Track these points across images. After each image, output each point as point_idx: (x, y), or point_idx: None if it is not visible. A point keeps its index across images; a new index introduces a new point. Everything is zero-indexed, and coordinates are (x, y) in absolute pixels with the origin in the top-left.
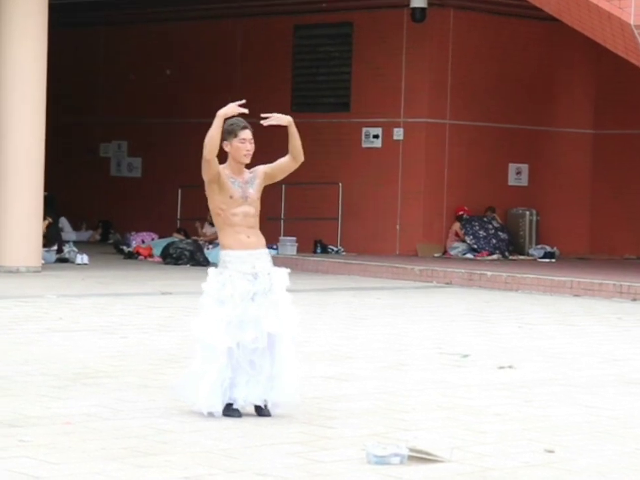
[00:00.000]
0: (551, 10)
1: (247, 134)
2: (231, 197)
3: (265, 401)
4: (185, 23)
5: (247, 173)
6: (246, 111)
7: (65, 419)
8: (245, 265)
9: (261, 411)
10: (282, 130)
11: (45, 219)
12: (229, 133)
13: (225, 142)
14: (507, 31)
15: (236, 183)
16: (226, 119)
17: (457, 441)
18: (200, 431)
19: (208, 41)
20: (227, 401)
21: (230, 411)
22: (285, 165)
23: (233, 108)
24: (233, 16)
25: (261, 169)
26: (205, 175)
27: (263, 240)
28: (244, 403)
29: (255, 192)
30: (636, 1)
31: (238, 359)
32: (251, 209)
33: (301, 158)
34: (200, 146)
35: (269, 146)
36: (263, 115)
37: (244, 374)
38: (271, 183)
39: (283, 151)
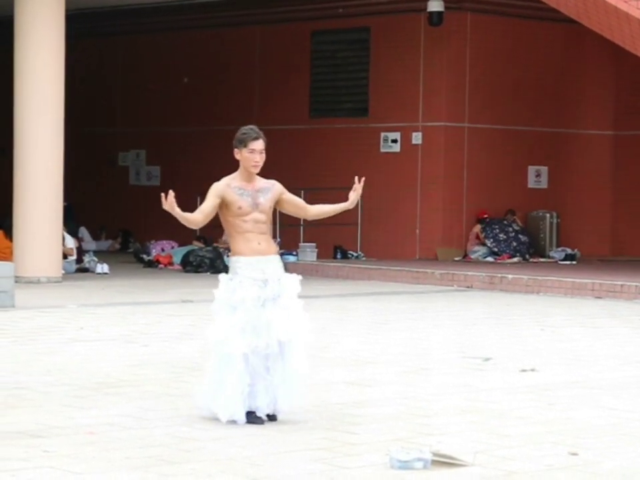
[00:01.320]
0: (568, 12)
1: (257, 145)
2: (239, 208)
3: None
4: (203, 30)
5: (261, 182)
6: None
7: (88, 429)
8: (255, 271)
9: (269, 416)
10: (295, 145)
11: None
12: (240, 141)
13: (236, 150)
14: (525, 33)
15: (245, 194)
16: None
17: (480, 445)
18: (223, 438)
19: (226, 48)
20: (248, 408)
21: (253, 418)
22: (298, 207)
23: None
24: (250, 23)
25: (279, 188)
26: None
27: (273, 247)
28: (267, 409)
29: (265, 201)
30: None
31: (254, 366)
32: (262, 216)
33: (312, 218)
34: (218, 152)
35: (280, 157)
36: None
37: (262, 380)
38: (277, 207)
39: (291, 163)
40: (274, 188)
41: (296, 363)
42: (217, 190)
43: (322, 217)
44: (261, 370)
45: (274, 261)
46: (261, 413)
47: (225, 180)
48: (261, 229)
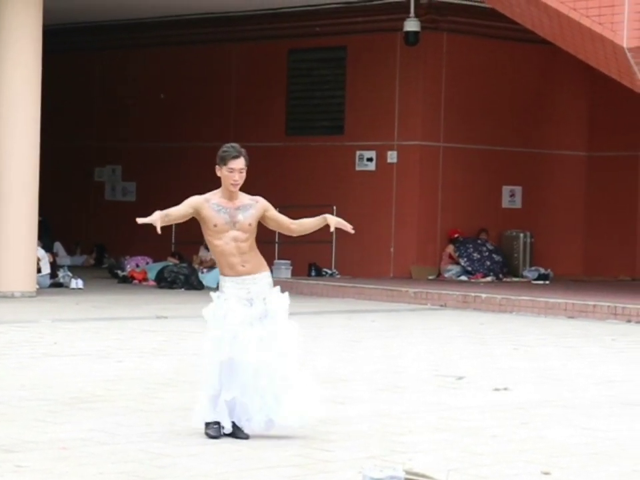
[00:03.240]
0: (544, 33)
1: (236, 164)
2: (215, 226)
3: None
4: (180, 47)
5: (244, 199)
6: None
7: (62, 444)
8: (241, 290)
9: (239, 433)
10: (271, 163)
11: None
12: (220, 159)
13: (217, 167)
14: (501, 54)
15: (222, 210)
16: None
17: (453, 463)
18: (197, 455)
19: (202, 65)
20: (235, 420)
21: (237, 432)
22: (281, 224)
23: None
24: (227, 40)
25: (263, 205)
26: None
27: (260, 265)
28: (259, 426)
29: (245, 219)
30: (628, 24)
31: (242, 379)
32: (241, 234)
33: (297, 234)
34: (194, 169)
35: (256, 175)
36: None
37: (252, 394)
38: (262, 222)
39: (267, 181)
40: (257, 205)
41: (291, 379)
42: (192, 201)
43: (306, 233)
44: (250, 383)
45: (261, 280)
46: (248, 429)
47: (206, 195)
48: (241, 248)
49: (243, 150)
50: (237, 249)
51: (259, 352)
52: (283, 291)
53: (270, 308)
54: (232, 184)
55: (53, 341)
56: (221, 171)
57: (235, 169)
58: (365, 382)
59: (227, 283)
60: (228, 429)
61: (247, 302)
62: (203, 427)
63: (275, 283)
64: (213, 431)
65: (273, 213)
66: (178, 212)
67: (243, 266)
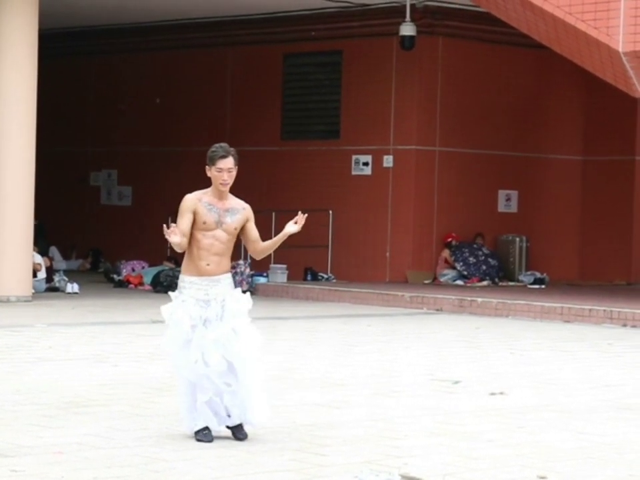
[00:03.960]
0: (540, 38)
1: (224, 163)
2: (204, 223)
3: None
4: (175, 51)
5: (233, 202)
6: (176, 245)
7: (57, 449)
8: (198, 292)
9: (238, 433)
10: (267, 167)
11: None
12: (209, 159)
13: (207, 167)
14: (497, 58)
15: (213, 209)
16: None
17: (449, 467)
18: (192, 459)
19: (198, 69)
20: (212, 420)
21: (201, 435)
22: (251, 239)
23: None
24: (222, 45)
25: (248, 213)
26: None
27: (224, 266)
28: (232, 421)
29: (232, 222)
30: (624, 29)
31: (216, 382)
32: (224, 235)
33: (258, 257)
34: (189, 173)
35: (251, 179)
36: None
37: (221, 393)
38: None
39: (263, 185)
40: (244, 212)
41: (250, 379)
42: (189, 205)
43: (265, 254)
44: (223, 387)
45: (221, 281)
46: (222, 424)
47: (197, 194)
48: (217, 248)
49: (232, 149)
50: (212, 246)
51: (216, 353)
52: (278, 295)
53: (228, 309)
54: (221, 183)
55: (49, 345)
56: (210, 171)
57: (223, 169)
58: (361, 386)
59: (185, 283)
60: (216, 429)
61: (204, 303)
62: (193, 434)
63: (271, 287)
64: (204, 436)
65: (251, 224)
66: (188, 224)
67: (208, 264)
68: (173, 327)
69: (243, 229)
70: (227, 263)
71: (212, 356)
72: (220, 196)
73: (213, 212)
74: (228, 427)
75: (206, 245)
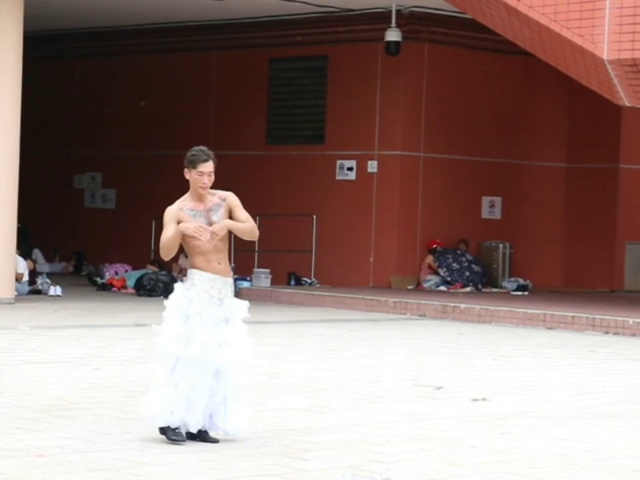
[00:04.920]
0: (525, 45)
1: (205, 167)
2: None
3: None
4: (160, 55)
5: (214, 199)
6: (202, 238)
7: (38, 452)
8: (213, 288)
9: (204, 436)
10: (251, 171)
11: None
12: (189, 162)
13: (186, 170)
14: (482, 65)
15: (197, 214)
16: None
17: (431, 473)
18: (174, 463)
19: (183, 73)
20: (179, 422)
21: (173, 434)
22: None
23: (192, 230)
24: (208, 48)
25: (231, 202)
26: None
27: (229, 269)
28: (199, 426)
29: (218, 219)
30: (609, 37)
31: (193, 379)
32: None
33: (252, 238)
34: (174, 176)
35: (236, 183)
36: (207, 237)
37: (198, 395)
38: None
39: (247, 189)
40: (225, 203)
41: (237, 385)
42: (172, 215)
43: (247, 236)
44: (200, 385)
45: (229, 284)
46: (191, 428)
47: (177, 204)
48: (218, 247)
49: (211, 153)
50: (215, 247)
51: (218, 354)
52: (261, 299)
53: (232, 312)
54: (201, 187)
55: (31, 348)
56: (190, 174)
57: (204, 172)
58: (344, 391)
59: (199, 276)
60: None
61: (218, 301)
62: (155, 424)
63: (254, 292)
64: (177, 435)
65: (237, 211)
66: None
67: (219, 263)
68: (180, 318)
69: (232, 218)
70: (229, 265)
71: (216, 355)
72: (200, 198)
73: (197, 217)
74: (192, 434)
75: (209, 247)
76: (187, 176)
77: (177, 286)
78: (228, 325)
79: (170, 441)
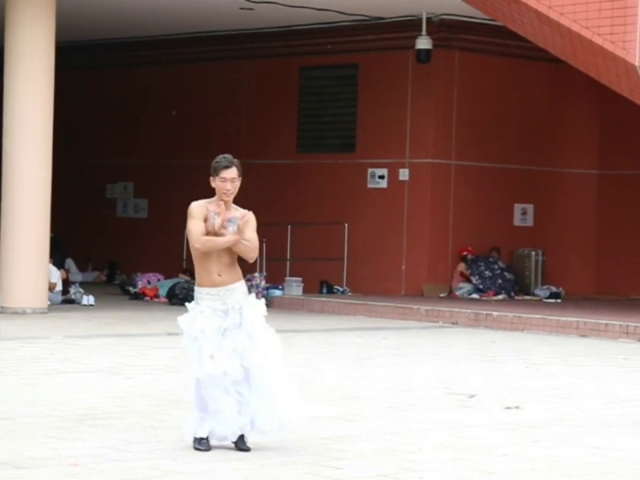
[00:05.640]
0: (556, 51)
1: (228, 173)
2: (208, 233)
3: (246, 432)
4: (191, 64)
5: (234, 212)
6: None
7: (71, 461)
8: (216, 302)
9: (239, 445)
10: (282, 180)
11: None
12: (213, 169)
13: (211, 178)
14: (512, 72)
15: (217, 218)
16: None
17: None
18: (206, 472)
19: (214, 82)
20: (208, 433)
21: (200, 443)
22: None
23: (232, 240)
24: (238, 58)
25: (250, 220)
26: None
27: (236, 275)
28: (234, 435)
29: (229, 233)
30: None
31: (229, 390)
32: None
33: (246, 258)
34: (205, 186)
35: (267, 192)
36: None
37: (231, 403)
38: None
39: (279, 198)
40: (243, 219)
41: (271, 385)
42: (199, 210)
43: (245, 257)
44: (222, 396)
45: (236, 290)
46: (229, 438)
47: (203, 201)
48: (225, 257)
49: (235, 160)
50: (220, 255)
51: (232, 363)
52: (293, 308)
53: (246, 317)
54: (224, 193)
55: (64, 358)
56: (214, 182)
57: (227, 179)
58: (376, 399)
59: (202, 295)
60: (221, 438)
61: (223, 313)
62: (191, 439)
63: (286, 300)
64: (201, 444)
65: (247, 231)
66: (203, 228)
67: (219, 275)
68: (192, 339)
69: None
70: (238, 270)
71: (227, 364)
72: (224, 206)
73: (217, 220)
74: (233, 442)
75: (214, 255)
76: (213, 184)
77: (188, 306)
78: (241, 330)
79: (195, 450)
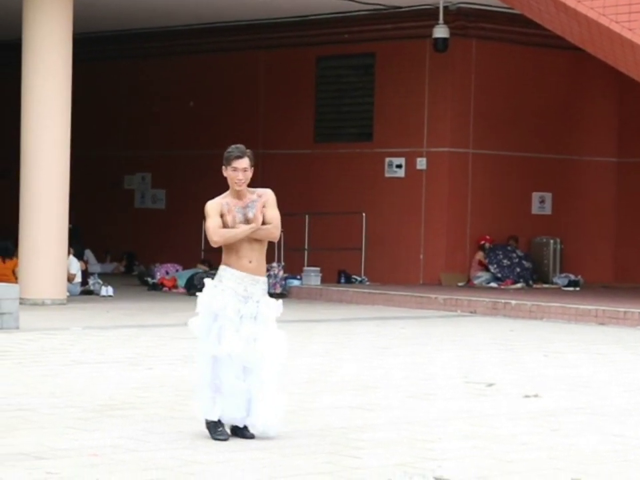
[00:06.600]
0: (573, 39)
1: (239, 163)
2: (232, 224)
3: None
4: (208, 55)
5: (252, 196)
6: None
7: (92, 451)
8: (239, 286)
9: (243, 433)
10: (300, 169)
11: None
12: (225, 159)
13: (223, 168)
14: (530, 60)
15: (236, 209)
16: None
17: (483, 470)
18: (226, 461)
19: (231, 72)
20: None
21: (216, 433)
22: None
23: (248, 229)
24: (255, 48)
25: (263, 200)
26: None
27: (263, 268)
28: (240, 421)
29: (252, 215)
30: None
31: (227, 374)
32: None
33: (269, 239)
34: (222, 176)
35: (285, 182)
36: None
37: (233, 389)
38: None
39: (296, 187)
40: (260, 199)
41: (265, 383)
42: (213, 208)
43: (269, 239)
44: (235, 381)
45: (259, 283)
46: (237, 422)
47: (218, 198)
48: (253, 246)
49: (248, 150)
50: (250, 246)
51: (245, 350)
52: (312, 297)
53: (262, 311)
54: (236, 183)
55: (83, 348)
56: (226, 171)
57: (238, 168)
58: (394, 389)
59: (227, 275)
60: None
61: (243, 298)
62: (203, 419)
63: (305, 290)
64: (219, 434)
65: (267, 209)
66: (220, 224)
67: (250, 262)
68: (209, 317)
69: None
70: (264, 263)
71: (242, 352)
72: (238, 196)
73: (236, 211)
74: (233, 427)
75: (245, 244)
76: (225, 174)
77: (207, 282)
78: (256, 322)
79: (214, 440)
